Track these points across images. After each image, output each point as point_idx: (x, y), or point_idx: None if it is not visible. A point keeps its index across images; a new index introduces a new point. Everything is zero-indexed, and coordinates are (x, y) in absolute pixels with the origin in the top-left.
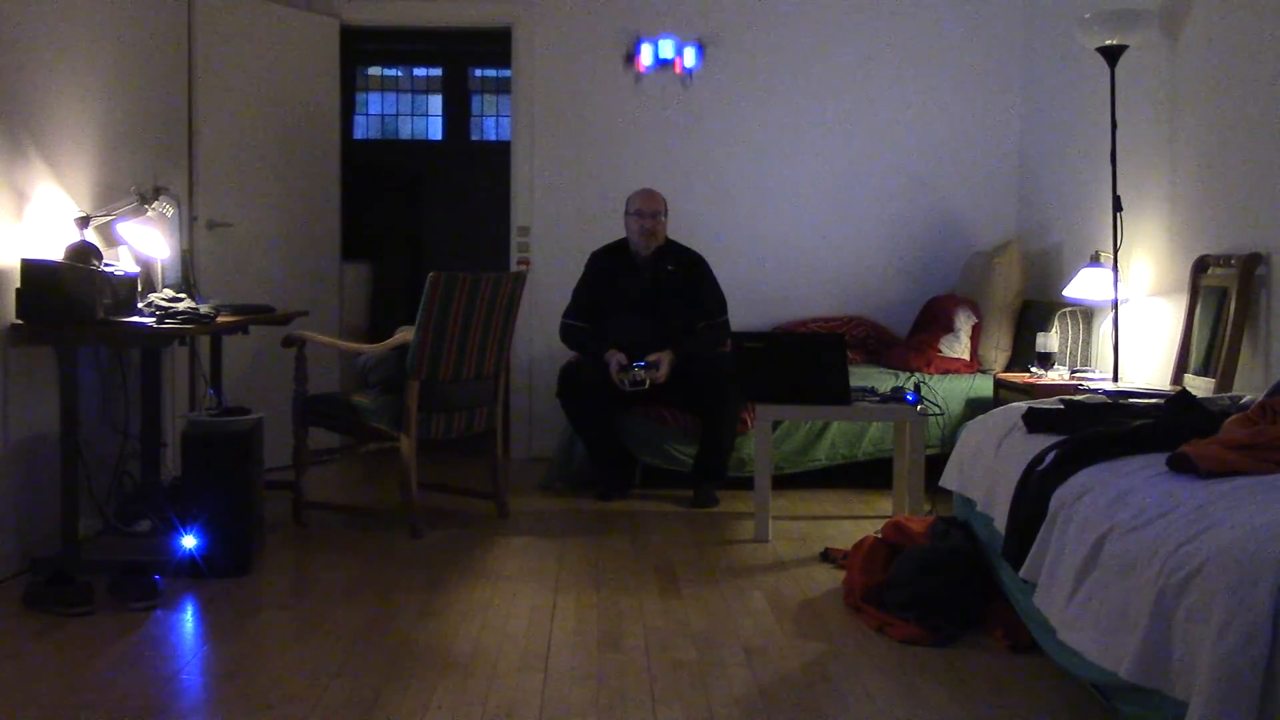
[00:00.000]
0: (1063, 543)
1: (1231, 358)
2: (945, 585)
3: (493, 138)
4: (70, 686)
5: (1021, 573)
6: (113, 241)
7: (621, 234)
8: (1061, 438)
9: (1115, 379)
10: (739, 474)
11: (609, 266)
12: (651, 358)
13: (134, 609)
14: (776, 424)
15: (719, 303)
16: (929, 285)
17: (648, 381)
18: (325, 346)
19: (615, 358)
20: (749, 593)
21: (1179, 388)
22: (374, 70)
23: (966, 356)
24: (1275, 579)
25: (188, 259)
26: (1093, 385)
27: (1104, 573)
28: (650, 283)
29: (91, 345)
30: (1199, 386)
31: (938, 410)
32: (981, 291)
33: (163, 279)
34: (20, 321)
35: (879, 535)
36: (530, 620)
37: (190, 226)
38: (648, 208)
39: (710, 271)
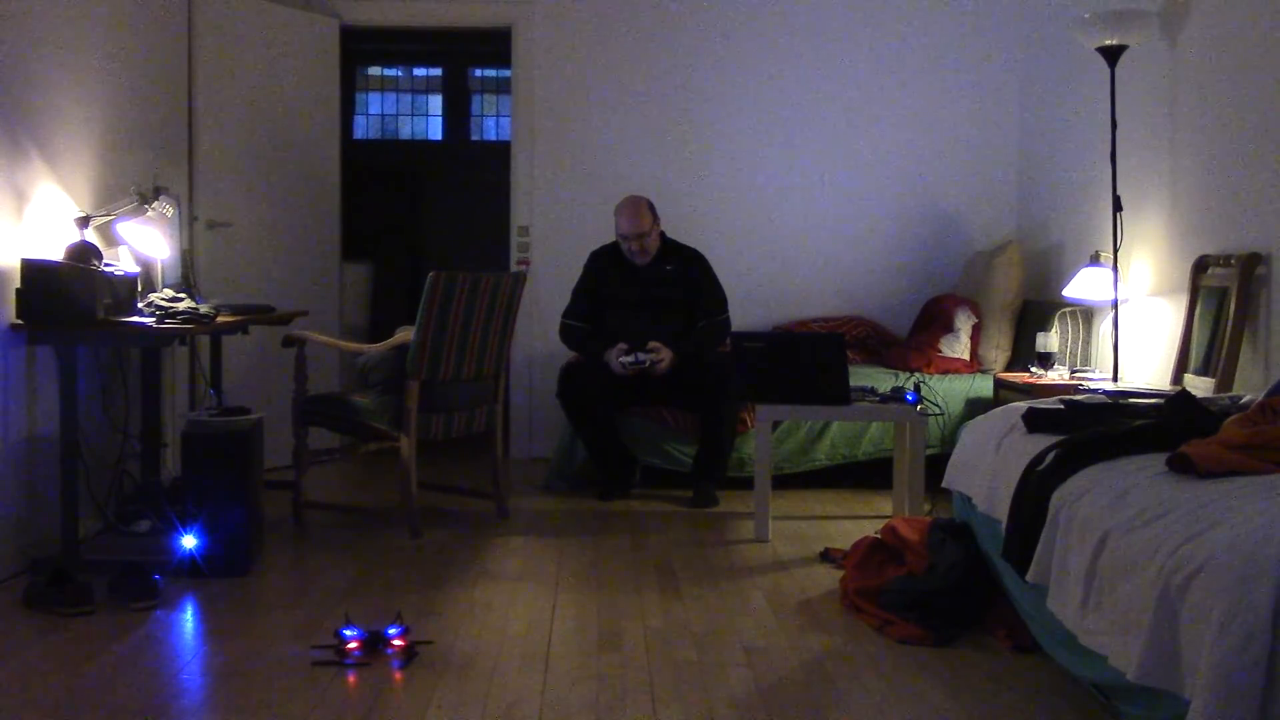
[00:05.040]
0: (1065, 545)
1: (1231, 358)
2: (945, 592)
3: (493, 138)
4: (70, 686)
5: (1029, 577)
6: (113, 241)
7: None
8: (1061, 438)
9: (1115, 379)
10: (739, 474)
11: (608, 266)
12: (653, 344)
13: (134, 609)
14: (776, 424)
15: (719, 300)
16: (929, 285)
17: (648, 361)
18: (325, 346)
19: (615, 348)
20: (749, 593)
21: (1179, 388)
22: (374, 70)
23: (966, 356)
24: (1275, 579)
25: (188, 259)
26: (1093, 385)
27: (1107, 574)
28: (649, 282)
29: (91, 345)
30: (1199, 386)
31: (938, 410)
32: (981, 291)
33: (163, 279)
34: (20, 321)
35: (877, 535)
36: (530, 620)
37: (190, 226)
38: (631, 230)
39: (710, 268)
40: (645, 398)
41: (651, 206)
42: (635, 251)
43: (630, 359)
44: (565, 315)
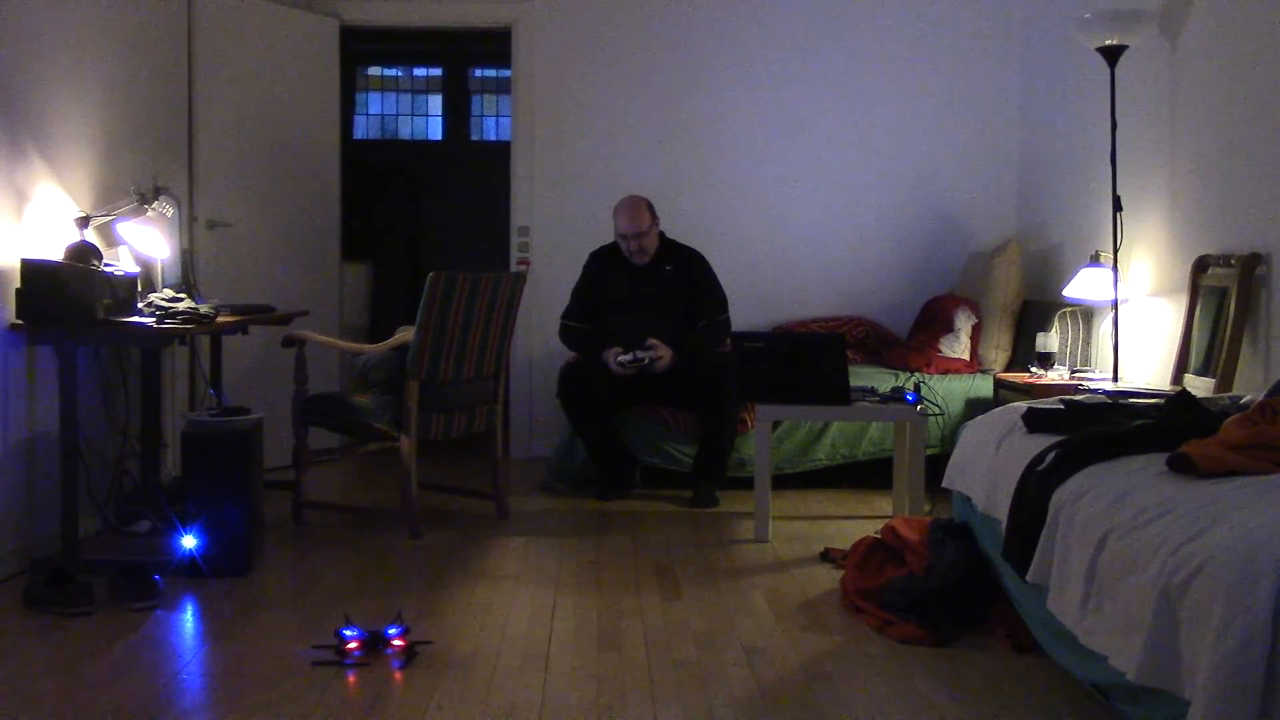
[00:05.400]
0: (1066, 545)
1: (1231, 358)
2: (945, 592)
3: (493, 138)
4: (70, 686)
5: (1029, 577)
6: (113, 241)
7: None
8: (1061, 438)
9: (1115, 379)
10: (739, 474)
11: (607, 268)
12: (651, 341)
13: (134, 609)
14: (776, 424)
15: (719, 300)
16: (929, 285)
17: (647, 358)
18: (325, 346)
19: (612, 349)
20: (749, 593)
21: (1179, 388)
22: (374, 70)
23: (966, 356)
24: (1275, 579)
25: (188, 259)
26: (1093, 385)
27: (1107, 574)
28: (648, 284)
29: (91, 345)
30: (1199, 386)
31: (938, 410)
32: (981, 291)
33: (163, 279)
34: (20, 321)
35: (877, 535)
36: (530, 620)
37: (190, 226)
38: (630, 229)
39: (709, 269)
40: (645, 398)
41: (650, 206)
42: (634, 251)
43: (628, 357)
44: (564, 317)
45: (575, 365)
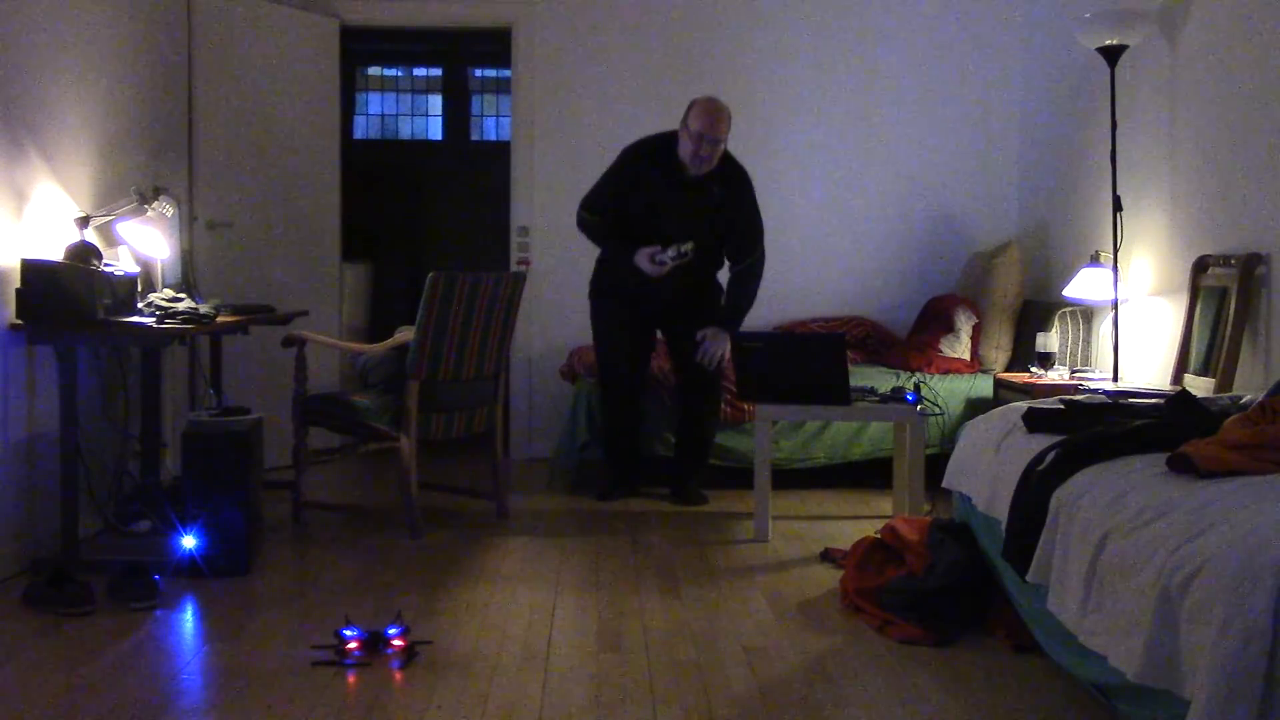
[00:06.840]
0: (1066, 545)
1: (1231, 358)
2: (945, 592)
3: (493, 138)
4: (70, 686)
5: (1029, 577)
6: (113, 241)
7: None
8: (1061, 438)
9: (1115, 379)
10: (736, 464)
11: (649, 169)
12: (710, 333)
13: (134, 609)
14: (775, 423)
15: (754, 235)
16: (929, 285)
17: (689, 252)
18: (325, 346)
19: (646, 251)
20: (749, 593)
21: (1179, 388)
22: (374, 70)
23: (967, 356)
24: (1275, 579)
25: (188, 259)
26: (1093, 385)
27: (1107, 574)
28: (694, 200)
29: (91, 345)
30: (1199, 386)
31: (938, 410)
32: (981, 291)
33: (163, 279)
34: (20, 321)
35: (877, 535)
36: (530, 620)
37: (190, 226)
38: (710, 133)
39: (752, 195)
40: (653, 325)
41: (729, 118)
42: (704, 157)
43: (670, 253)
44: (584, 206)
45: (616, 367)
